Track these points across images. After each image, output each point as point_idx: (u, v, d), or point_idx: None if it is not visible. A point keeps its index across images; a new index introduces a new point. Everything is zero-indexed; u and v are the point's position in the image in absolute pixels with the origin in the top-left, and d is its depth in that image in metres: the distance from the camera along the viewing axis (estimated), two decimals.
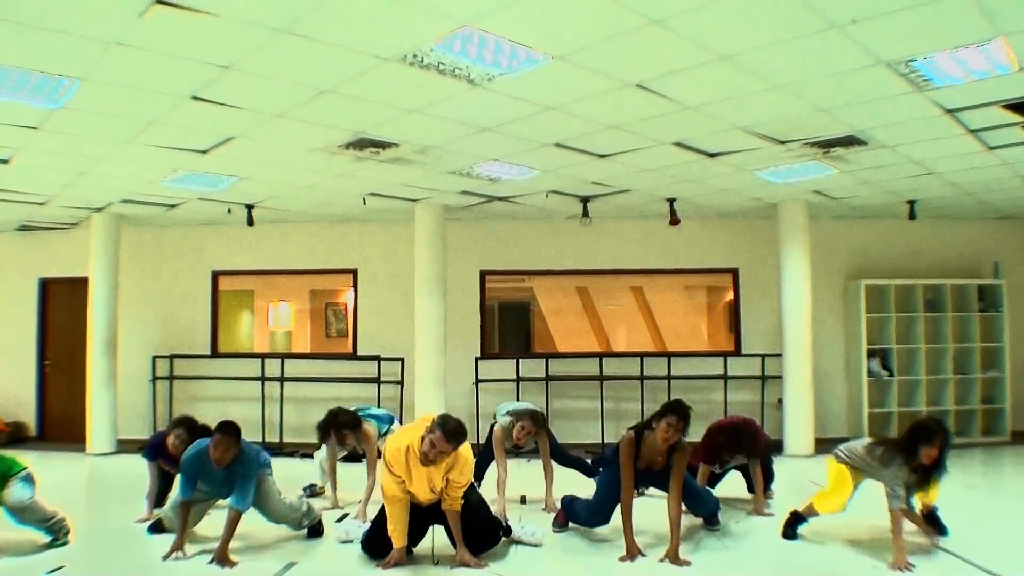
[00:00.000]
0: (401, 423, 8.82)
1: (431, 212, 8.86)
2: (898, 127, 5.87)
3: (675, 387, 9.23)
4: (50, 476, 6.89)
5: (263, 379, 9.70)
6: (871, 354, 9.40)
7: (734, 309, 10.05)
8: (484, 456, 5.96)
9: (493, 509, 5.07)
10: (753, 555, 4.78)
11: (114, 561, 4.73)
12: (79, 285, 9.44)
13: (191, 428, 5.53)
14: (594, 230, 9.40)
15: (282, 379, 9.64)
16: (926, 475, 4.40)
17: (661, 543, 4.65)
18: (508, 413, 5.93)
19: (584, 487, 6.11)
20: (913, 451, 4.31)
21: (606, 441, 9.20)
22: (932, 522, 4.93)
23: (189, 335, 10.04)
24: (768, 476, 5.98)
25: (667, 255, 9.94)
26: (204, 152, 6.37)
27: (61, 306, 10.22)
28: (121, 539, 5.19)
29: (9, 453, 4.95)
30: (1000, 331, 9.50)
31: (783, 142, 6.30)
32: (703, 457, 5.76)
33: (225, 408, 9.23)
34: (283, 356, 10.32)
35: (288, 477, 6.57)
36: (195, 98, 5.00)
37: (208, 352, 10.05)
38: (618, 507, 4.71)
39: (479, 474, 5.91)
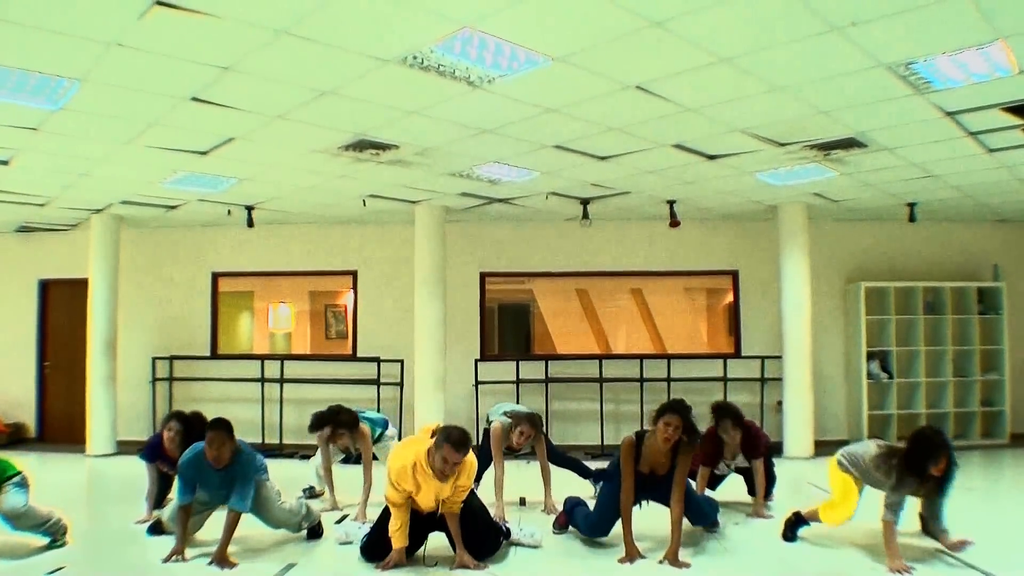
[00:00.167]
0: (400, 429, 8.88)
1: (431, 214, 8.86)
2: (898, 130, 5.88)
3: (675, 389, 9.21)
4: (50, 477, 6.93)
5: (263, 380, 9.70)
6: (871, 356, 9.40)
7: (734, 311, 10.05)
8: (482, 457, 5.94)
9: (492, 512, 5.06)
10: (753, 557, 4.77)
11: (114, 562, 4.72)
12: (79, 286, 9.45)
13: (183, 419, 5.57)
14: (594, 232, 9.41)
15: (282, 380, 9.64)
16: (938, 484, 4.38)
17: (660, 546, 4.64)
18: (505, 414, 5.92)
19: (581, 488, 6.13)
20: (922, 471, 4.30)
21: (606, 443, 9.20)
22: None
23: (189, 336, 10.04)
24: (770, 480, 5.95)
25: (667, 257, 9.95)
26: (204, 153, 6.37)
27: (61, 307, 10.22)
28: (121, 540, 5.17)
29: (3, 456, 4.89)
30: (1000, 334, 9.50)
31: (783, 144, 6.30)
32: (703, 459, 5.75)
33: (225, 409, 9.07)
34: (283, 358, 10.31)
35: (288, 478, 6.56)
36: (195, 99, 5.01)
37: (208, 353, 10.05)
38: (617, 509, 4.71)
39: (477, 476, 5.89)
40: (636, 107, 5.31)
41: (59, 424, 10.04)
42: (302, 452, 8.51)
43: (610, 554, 4.69)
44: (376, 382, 9.42)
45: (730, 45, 4.27)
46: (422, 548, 4.66)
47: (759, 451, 5.80)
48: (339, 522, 5.44)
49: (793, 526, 5.00)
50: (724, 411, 5.75)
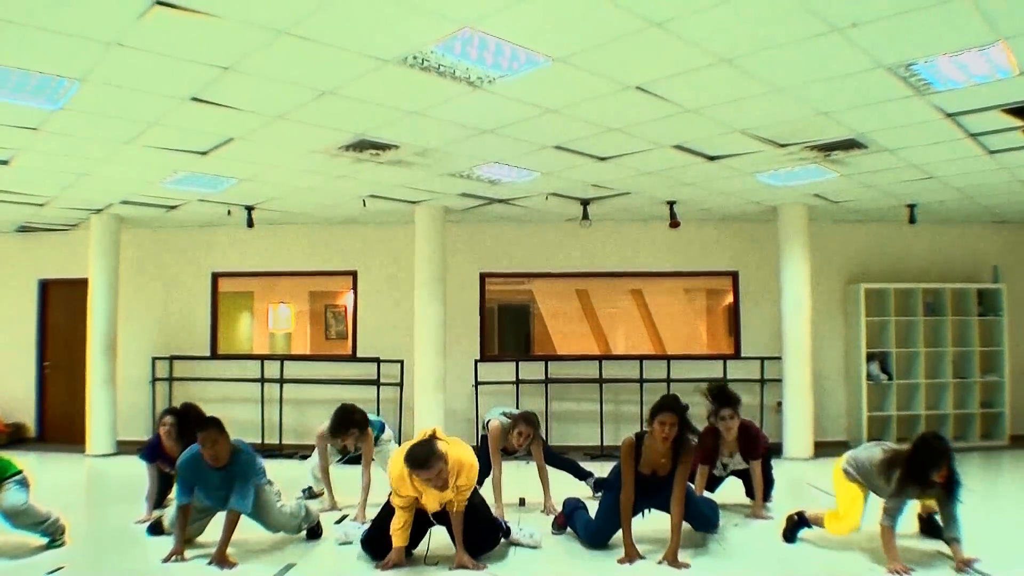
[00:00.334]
0: (400, 430, 8.88)
1: (431, 214, 8.86)
2: (899, 131, 5.87)
3: (674, 390, 9.13)
4: (49, 477, 6.92)
5: (262, 381, 9.69)
6: (870, 358, 9.39)
7: (734, 312, 10.05)
8: (482, 461, 5.93)
9: (492, 511, 5.06)
10: (752, 558, 4.77)
11: (113, 562, 4.72)
12: (79, 286, 9.44)
13: (176, 412, 5.67)
14: (594, 233, 9.40)
15: (281, 381, 9.64)
16: (946, 490, 4.36)
17: (660, 546, 4.64)
18: (503, 415, 5.93)
19: (581, 490, 6.13)
20: (924, 478, 4.29)
21: (605, 444, 9.20)
22: (931, 525, 4.93)
23: (189, 336, 10.04)
24: (768, 483, 5.93)
25: (667, 258, 9.94)
26: (204, 153, 6.37)
27: (61, 307, 10.22)
28: (120, 540, 5.18)
29: (4, 455, 4.92)
30: (999, 335, 9.50)
31: (783, 145, 6.30)
32: (700, 458, 5.72)
33: (225, 409, 9.11)
34: (282, 358, 10.31)
35: (288, 478, 6.56)
36: (195, 99, 5.00)
37: (208, 353, 10.05)
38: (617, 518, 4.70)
39: (479, 482, 5.89)
40: (636, 108, 5.31)
41: (59, 424, 10.04)
42: (301, 452, 8.49)
43: (609, 555, 4.69)
44: (376, 382, 9.42)
45: (730, 46, 4.27)
46: (426, 547, 4.66)
47: (758, 452, 5.79)
48: (339, 522, 5.44)
49: (794, 527, 4.99)
50: (721, 397, 5.74)
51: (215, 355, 10.07)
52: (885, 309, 9.44)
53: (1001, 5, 3.75)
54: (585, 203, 8.58)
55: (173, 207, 8.71)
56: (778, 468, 6.19)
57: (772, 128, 5.85)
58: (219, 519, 4.69)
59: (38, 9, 3.70)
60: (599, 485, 6.09)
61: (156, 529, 5.13)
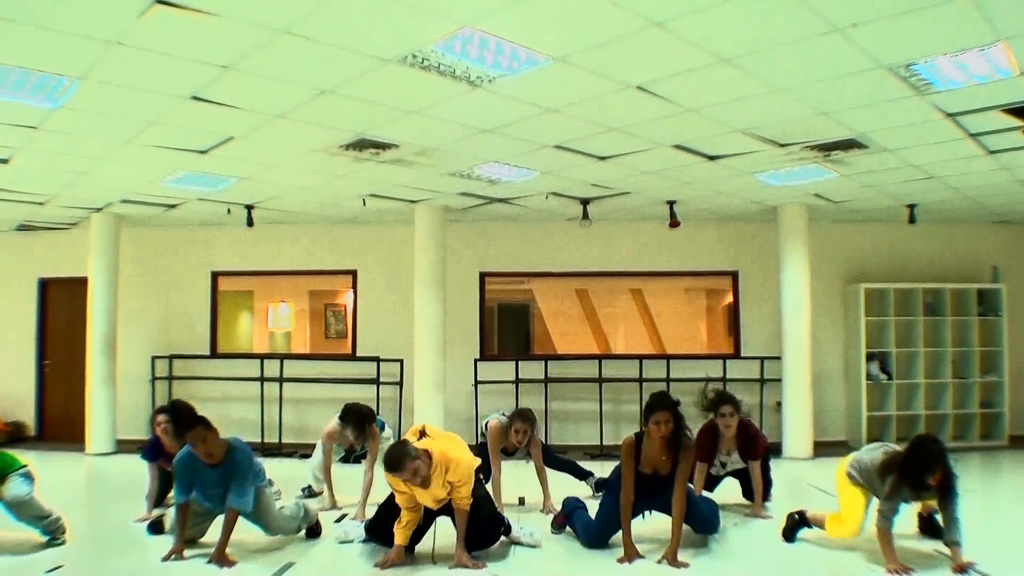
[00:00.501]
0: (399, 429, 8.88)
1: (431, 213, 8.86)
2: (899, 131, 5.88)
3: (674, 389, 9.11)
4: (49, 476, 6.87)
5: (262, 380, 9.69)
6: (870, 357, 9.39)
7: (733, 312, 10.05)
8: (482, 458, 5.94)
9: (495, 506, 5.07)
10: (752, 557, 4.77)
11: (113, 561, 4.72)
12: (79, 285, 9.44)
13: (167, 410, 5.71)
14: (594, 232, 9.40)
15: (281, 380, 9.63)
16: (942, 492, 4.35)
17: (660, 546, 4.64)
18: (501, 415, 5.93)
19: (580, 490, 6.13)
20: (919, 481, 4.28)
21: (605, 443, 9.20)
22: (931, 524, 4.93)
23: (188, 335, 10.04)
24: (766, 483, 5.92)
25: (667, 258, 9.94)
26: (204, 152, 6.37)
27: (61, 306, 10.22)
28: (120, 539, 5.18)
29: (9, 451, 4.95)
30: (999, 335, 9.50)
31: (783, 145, 6.30)
32: (699, 455, 5.72)
33: (224, 408, 9.25)
34: (282, 357, 10.31)
35: (287, 478, 6.58)
36: (195, 98, 5.00)
37: (207, 352, 10.05)
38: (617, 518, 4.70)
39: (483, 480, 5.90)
40: (636, 107, 5.31)
41: (59, 423, 10.04)
42: (301, 451, 8.51)
43: (609, 554, 4.69)
44: (375, 382, 9.41)
45: (730, 45, 4.27)
46: (432, 545, 4.67)
47: (757, 452, 5.79)
48: (338, 521, 5.45)
49: (795, 527, 4.99)
50: (722, 397, 5.76)
51: (215, 354, 10.06)
52: (885, 309, 9.44)
53: (1001, 5, 3.75)
54: (585, 202, 8.58)
55: (173, 206, 8.71)
56: (778, 468, 6.20)
57: (772, 128, 5.85)
58: (219, 519, 4.69)
59: (38, 8, 3.70)
60: (600, 485, 6.09)
61: (156, 528, 5.13)
